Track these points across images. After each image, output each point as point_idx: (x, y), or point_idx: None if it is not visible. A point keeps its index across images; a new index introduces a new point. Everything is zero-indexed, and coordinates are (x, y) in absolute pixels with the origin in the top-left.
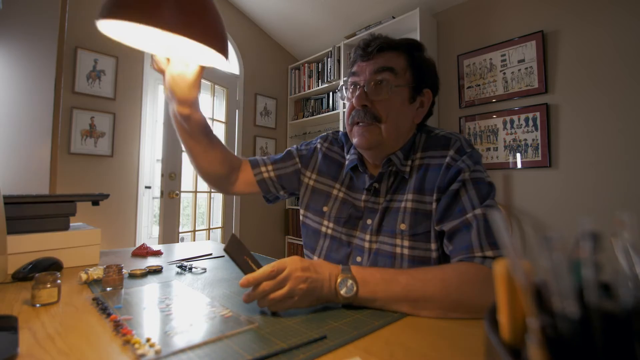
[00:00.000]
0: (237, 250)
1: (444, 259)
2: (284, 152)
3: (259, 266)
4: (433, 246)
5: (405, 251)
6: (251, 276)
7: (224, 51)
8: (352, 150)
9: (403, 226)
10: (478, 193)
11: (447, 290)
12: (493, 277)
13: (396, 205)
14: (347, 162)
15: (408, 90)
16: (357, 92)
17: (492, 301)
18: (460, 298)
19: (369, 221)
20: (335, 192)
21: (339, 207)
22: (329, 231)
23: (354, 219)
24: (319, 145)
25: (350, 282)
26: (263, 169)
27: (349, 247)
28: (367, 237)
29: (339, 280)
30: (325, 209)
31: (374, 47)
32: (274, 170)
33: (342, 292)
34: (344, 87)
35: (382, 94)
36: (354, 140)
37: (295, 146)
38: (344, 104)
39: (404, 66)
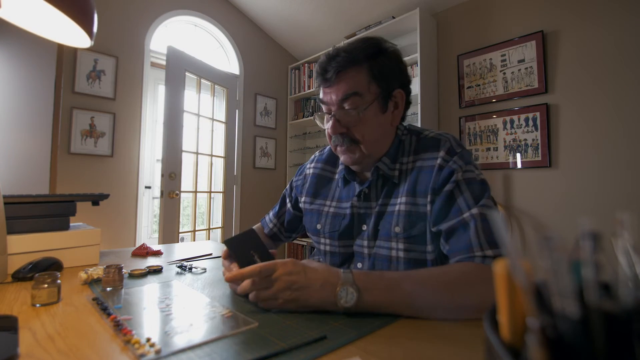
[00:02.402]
0: (242, 244)
1: (440, 260)
2: (280, 198)
3: (269, 258)
4: (429, 248)
5: (401, 254)
6: (239, 272)
7: (88, 29)
8: (340, 161)
9: (397, 229)
10: (472, 193)
11: (452, 295)
12: (494, 276)
13: (390, 209)
14: (337, 172)
15: (377, 102)
16: (330, 122)
17: (494, 300)
18: (465, 301)
19: (364, 227)
20: (326, 208)
21: (331, 221)
22: (327, 248)
23: (348, 230)
24: (307, 171)
25: (350, 290)
26: (270, 225)
27: (350, 258)
28: (365, 242)
29: (338, 289)
30: (318, 226)
31: (332, 73)
32: (278, 223)
33: (342, 302)
34: (317, 116)
35: (354, 120)
36: (341, 159)
37: (288, 184)
38: None
39: (367, 81)
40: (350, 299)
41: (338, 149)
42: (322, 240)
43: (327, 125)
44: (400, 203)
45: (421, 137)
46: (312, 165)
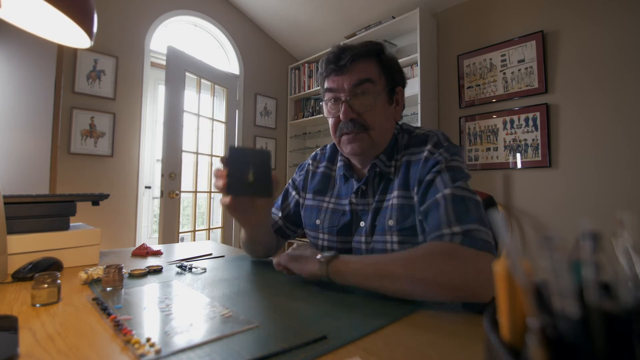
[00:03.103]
0: (245, 157)
1: None
2: (282, 192)
3: (263, 184)
4: (420, 238)
5: (395, 246)
6: None
7: (88, 29)
8: (339, 158)
9: (391, 222)
10: (452, 177)
11: (411, 267)
12: (461, 252)
13: (385, 205)
14: (336, 170)
15: (385, 93)
16: (342, 108)
17: (461, 278)
18: (425, 275)
19: (362, 223)
20: (325, 204)
21: (330, 216)
22: (325, 243)
23: (347, 226)
24: (309, 168)
25: (330, 252)
26: (275, 218)
27: (348, 253)
28: (363, 238)
29: (319, 255)
30: (318, 222)
31: (347, 60)
32: (282, 215)
33: (319, 256)
34: (324, 105)
35: (366, 106)
36: (346, 149)
37: (291, 179)
38: None
39: (378, 73)
40: (327, 255)
41: (344, 137)
42: (321, 235)
43: (336, 113)
44: (393, 197)
45: (412, 135)
46: (314, 162)
